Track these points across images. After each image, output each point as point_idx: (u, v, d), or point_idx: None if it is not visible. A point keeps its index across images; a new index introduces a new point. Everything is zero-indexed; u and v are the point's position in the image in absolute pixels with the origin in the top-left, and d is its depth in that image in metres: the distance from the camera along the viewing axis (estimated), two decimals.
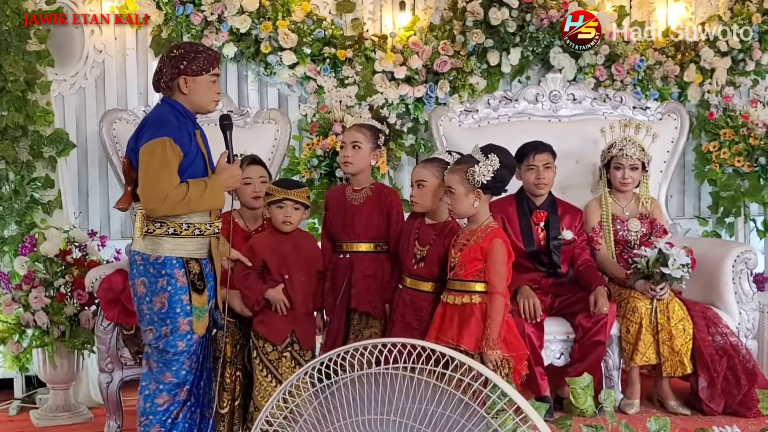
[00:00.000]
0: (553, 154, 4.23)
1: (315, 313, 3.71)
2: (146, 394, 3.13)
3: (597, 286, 4.07)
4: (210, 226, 3.11)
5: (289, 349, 3.54)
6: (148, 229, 3.03)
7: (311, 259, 3.63)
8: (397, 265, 3.70)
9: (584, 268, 4.23)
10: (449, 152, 3.61)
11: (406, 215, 3.77)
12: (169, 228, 3.02)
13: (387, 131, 3.81)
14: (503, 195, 4.31)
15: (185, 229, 3.04)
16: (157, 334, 3.06)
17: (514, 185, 4.34)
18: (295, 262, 3.55)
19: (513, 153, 4.22)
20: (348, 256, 3.72)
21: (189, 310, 3.05)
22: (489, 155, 3.31)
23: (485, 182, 3.29)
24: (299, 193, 3.55)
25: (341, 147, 3.77)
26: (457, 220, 3.56)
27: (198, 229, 3.07)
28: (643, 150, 4.34)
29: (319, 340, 3.80)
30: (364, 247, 3.72)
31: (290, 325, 3.51)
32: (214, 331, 3.42)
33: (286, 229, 3.53)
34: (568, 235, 4.23)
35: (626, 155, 4.32)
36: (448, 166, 3.44)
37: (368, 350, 2.03)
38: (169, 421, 3.12)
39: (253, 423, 3.41)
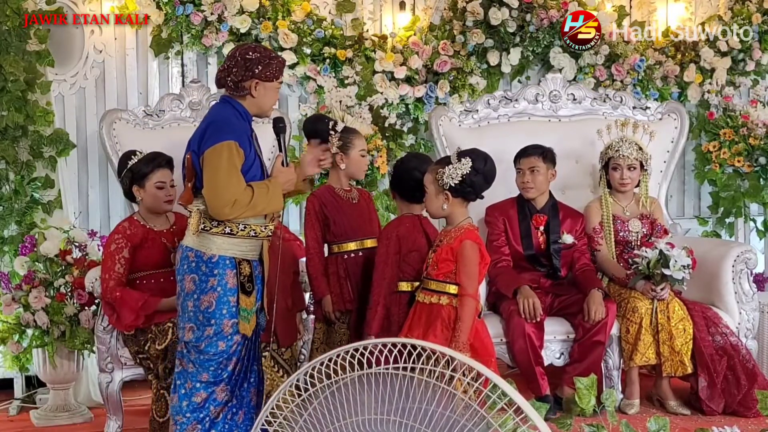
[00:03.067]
0: (546, 158, 4.21)
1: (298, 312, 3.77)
2: (182, 393, 3.08)
3: (592, 290, 4.07)
4: (265, 228, 3.11)
5: (268, 348, 3.57)
6: (204, 227, 3.02)
7: (286, 257, 3.64)
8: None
9: (581, 272, 4.23)
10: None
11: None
12: (226, 227, 3.02)
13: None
14: (504, 200, 4.33)
15: (242, 230, 3.04)
16: (199, 334, 3.03)
17: (515, 186, 4.38)
18: (272, 261, 3.54)
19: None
20: (361, 254, 3.73)
21: (235, 312, 3.04)
22: (462, 159, 3.30)
23: (452, 185, 3.28)
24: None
25: (363, 155, 3.75)
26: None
27: (253, 230, 3.07)
28: (641, 149, 4.34)
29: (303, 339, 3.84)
30: (373, 242, 3.74)
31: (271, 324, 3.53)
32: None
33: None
34: (568, 239, 4.23)
35: (623, 155, 4.32)
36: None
37: (368, 350, 2.03)
38: (208, 420, 3.07)
39: None
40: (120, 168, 3.89)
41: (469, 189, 3.30)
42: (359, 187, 3.96)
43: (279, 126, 3.24)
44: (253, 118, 3.16)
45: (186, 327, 3.07)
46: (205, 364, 3.05)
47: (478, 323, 3.36)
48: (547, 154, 4.21)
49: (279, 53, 4.87)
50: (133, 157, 3.82)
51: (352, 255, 3.72)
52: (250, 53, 3.07)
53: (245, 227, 3.05)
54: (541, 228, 4.25)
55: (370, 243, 3.74)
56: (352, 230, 3.71)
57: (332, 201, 3.72)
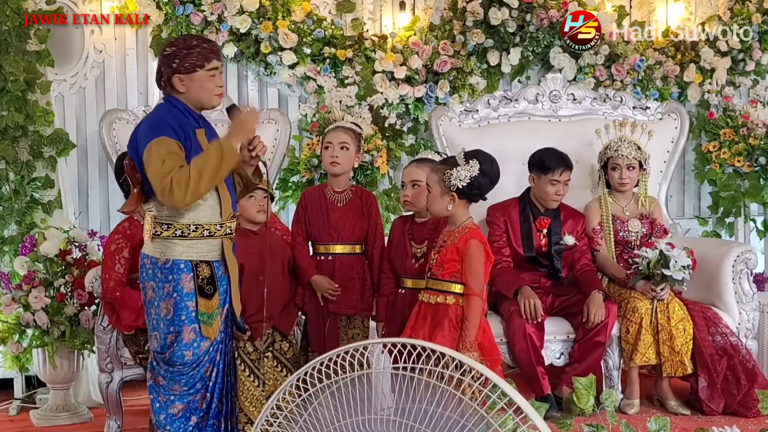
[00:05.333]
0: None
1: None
2: (157, 407, 3.00)
3: (592, 291, 4.07)
4: (221, 227, 2.99)
5: (271, 348, 3.58)
6: (156, 232, 2.94)
7: (284, 257, 3.69)
8: (385, 269, 3.74)
9: (582, 273, 4.22)
10: (437, 152, 3.63)
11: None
12: (176, 230, 2.93)
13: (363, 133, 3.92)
14: (506, 200, 4.31)
15: (193, 231, 2.94)
16: (162, 342, 2.96)
17: (515, 186, 4.38)
18: (270, 261, 3.56)
19: (529, 154, 4.25)
20: (330, 258, 3.73)
21: (194, 317, 2.95)
22: (470, 161, 3.29)
23: (460, 187, 3.29)
24: (265, 182, 3.59)
25: (326, 147, 3.75)
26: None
27: (207, 230, 2.96)
28: (639, 149, 4.35)
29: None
30: (347, 248, 3.74)
31: (270, 322, 3.56)
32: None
33: (261, 219, 3.56)
34: (569, 240, 4.22)
35: (622, 155, 4.32)
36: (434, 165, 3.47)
37: (368, 350, 2.03)
38: (195, 429, 3.00)
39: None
40: (119, 171, 3.86)
41: (476, 191, 3.32)
42: (357, 187, 3.93)
43: (232, 114, 3.07)
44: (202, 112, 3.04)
45: (152, 336, 3.00)
46: (175, 377, 2.97)
47: (484, 322, 3.37)
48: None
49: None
50: None
51: (321, 258, 3.74)
52: (167, 49, 2.96)
53: (197, 228, 2.95)
54: (544, 231, 4.24)
55: (339, 249, 3.73)
56: (326, 233, 3.73)
57: (315, 201, 3.76)
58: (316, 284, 3.70)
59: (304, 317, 3.83)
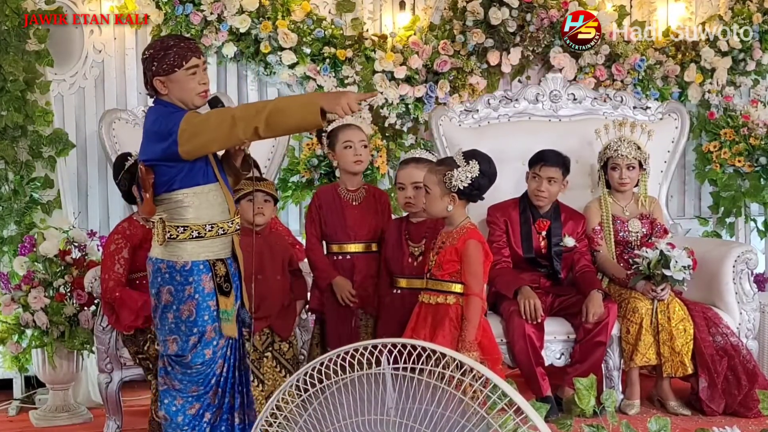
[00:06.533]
0: (565, 170, 4.18)
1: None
2: (174, 410, 2.95)
3: (591, 291, 4.06)
4: (231, 223, 2.97)
5: (270, 349, 3.58)
6: (171, 235, 2.89)
7: (285, 258, 3.68)
8: (382, 269, 3.73)
9: (581, 274, 4.22)
10: (427, 150, 3.63)
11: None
12: (193, 231, 2.89)
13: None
14: (506, 201, 4.31)
15: (209, 231, 2.91)
16: (183, 345, 2.92)
17: (514, 186, 4.37)
18: (270, 261, 3.55)
19: (529, 154, 4.25)
20: (349, 257, 3.72)
21: (216, 316, 2.93)
22: (470, 162, 3.29)
23: (461, 188, 3.29)
24: (267, 185, 3.57)
25: (346, 146, 3.74)
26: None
27: (221, 228, 2.93)
28: (639, 149, 4.34)
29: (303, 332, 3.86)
30: (362, 247, 3.73)
31: (266, 321, 3.57)
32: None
33: (258, 221, 3.52)
34: (569, 242, 4.21)
35: (622, 155, 4.32)
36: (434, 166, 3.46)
37: (368, 350, 2.03)
38: (207, 426, 2.98)
39: None
40: (116, 171, 3.86)
41: (476, 191, 3.33)
42: (370, 185, 3.92)
43: (218, 106, 2.98)
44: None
45: (168, 339, 2.94)
46: (193, 378, 2.94)
47: (484, 321, 3.37)
48: (567, 165, 4.19)
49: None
50: (129, 158, 3.80)
51: (338, 257, 3.74)
52: (145, 53, 2.92)
53: (212, 227, 2.92)
54: (543, 233, 4.23)
55: (354, 248, 3.73)
56: (343, 232, 3.73)
57: (330, 201, 3.74)
58: (338, 286, 3.67)
59: (313, 316, 3.83)
